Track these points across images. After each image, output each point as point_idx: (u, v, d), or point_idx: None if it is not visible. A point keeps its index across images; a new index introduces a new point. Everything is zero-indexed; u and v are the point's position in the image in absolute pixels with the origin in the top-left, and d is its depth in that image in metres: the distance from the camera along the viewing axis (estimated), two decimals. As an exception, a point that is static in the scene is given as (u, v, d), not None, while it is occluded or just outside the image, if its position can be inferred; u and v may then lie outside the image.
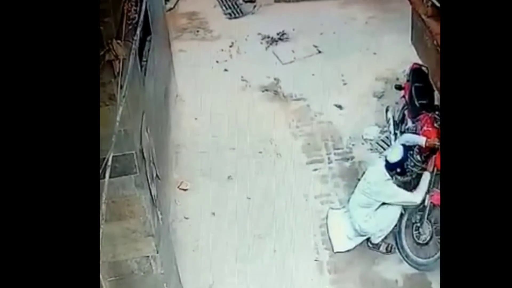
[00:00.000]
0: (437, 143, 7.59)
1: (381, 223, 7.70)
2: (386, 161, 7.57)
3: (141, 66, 7.09)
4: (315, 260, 7.84)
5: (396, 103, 9.20)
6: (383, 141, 8.94)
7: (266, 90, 10.30)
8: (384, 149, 8.76)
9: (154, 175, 6.44)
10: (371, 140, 9.16)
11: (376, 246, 7.90)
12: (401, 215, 7.75)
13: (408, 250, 7.73)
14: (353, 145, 9.08)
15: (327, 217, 8.17)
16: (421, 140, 7.69)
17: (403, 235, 7.78)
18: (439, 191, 7.59)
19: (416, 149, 8.02)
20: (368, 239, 7.91)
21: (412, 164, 8.02)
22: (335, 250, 7.89)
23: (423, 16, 9.56)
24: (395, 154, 7.56)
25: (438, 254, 7.49)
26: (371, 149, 9.01)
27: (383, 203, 7.66)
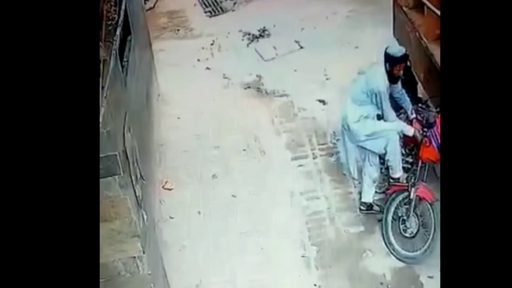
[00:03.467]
0: (419, 135, 7.58)
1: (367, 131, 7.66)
2: (386, 53, 7.52)
3: (122, 67, 7.03)
4: (302, 256, 7.80)
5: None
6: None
7: (249, 87, 10.25)
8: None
9: (138, 175, 6.40)
10: (355, 134, 9.10)
11: (370, 207, 7.99)
12: (387, 210, 7.77)
13: (395, 244, 7.71)
14: (337, 140, 9.04)
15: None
16: (409, 130, 7.65)
17: (389, 229, 7.76)
18: (425, 184, 7.60)
19: (400, 143, 8.01)
20: (360, 204, 8.03)
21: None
22: None
23: (405, 8, 9.61)
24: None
25: (425, 247, 7.50)
26: (355, 144, 8.94)
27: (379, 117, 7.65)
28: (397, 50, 7.61)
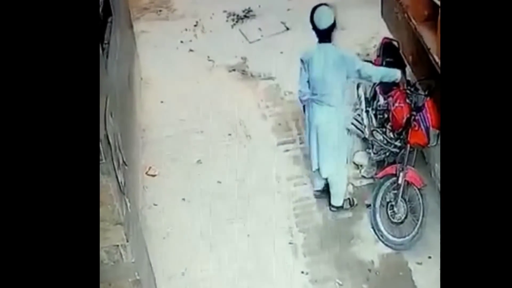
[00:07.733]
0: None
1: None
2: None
3: (103, 49, 6.89)
4: (290, 243, 7.70)
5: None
6: (355, 119, 8.75)
7: (234, 70, 10.13)
8: (356, 127, 8.63)
9: (121, 161, 6.27)
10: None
11: (341, 207, 7.91)
12: (375, 196, 7.67)
13: (383, 230, 7.63)
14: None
15: None
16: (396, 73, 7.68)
17: (377, 215, 7.69)
18: (413, 168, 7.51)
19: (388, 127, 7.92)
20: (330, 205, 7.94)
21: (385, 141, 7.94)
22: None
23: (393, -11, 9.43)
24: None
25: (414, 232, 7.41)
26: (343, 128, 8.82)
27: None
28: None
